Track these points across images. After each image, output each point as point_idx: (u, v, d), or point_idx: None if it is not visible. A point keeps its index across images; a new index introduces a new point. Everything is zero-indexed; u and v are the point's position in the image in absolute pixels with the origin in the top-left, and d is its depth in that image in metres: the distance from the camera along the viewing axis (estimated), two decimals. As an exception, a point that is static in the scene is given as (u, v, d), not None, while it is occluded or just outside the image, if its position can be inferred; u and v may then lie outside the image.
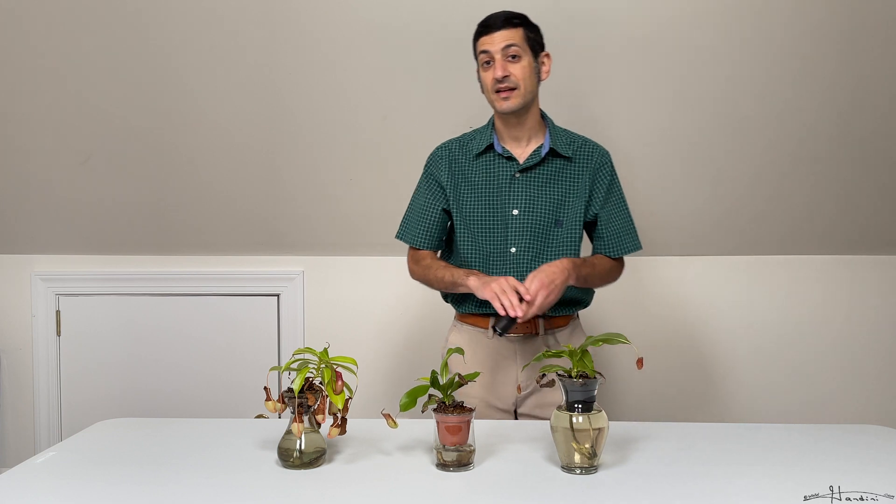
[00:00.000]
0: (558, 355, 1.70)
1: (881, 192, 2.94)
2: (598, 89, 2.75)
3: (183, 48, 2.73)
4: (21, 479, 1.64)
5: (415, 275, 2.28)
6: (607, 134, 2.70)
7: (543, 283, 1.97)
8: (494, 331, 2.03)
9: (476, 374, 1.76)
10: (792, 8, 2.57)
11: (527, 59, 2.10)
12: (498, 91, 2.09)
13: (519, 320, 1.96)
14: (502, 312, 1.95)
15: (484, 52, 2.10)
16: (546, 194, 2.16)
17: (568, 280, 2.04)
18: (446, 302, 2.31)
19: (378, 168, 2.90)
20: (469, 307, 2.22)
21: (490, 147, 2.19)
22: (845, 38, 2.61)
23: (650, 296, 3.12)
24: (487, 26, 2.11)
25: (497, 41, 2.08)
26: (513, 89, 2.08)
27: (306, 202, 3.03)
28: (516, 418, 2.22)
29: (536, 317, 2.16)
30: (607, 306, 3.04)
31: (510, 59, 2.08)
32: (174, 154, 2.96)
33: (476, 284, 2.04)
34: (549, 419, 2.10)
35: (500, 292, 1.96)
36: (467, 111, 2.70)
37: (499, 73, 2.07)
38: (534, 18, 2.24)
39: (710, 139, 2.84)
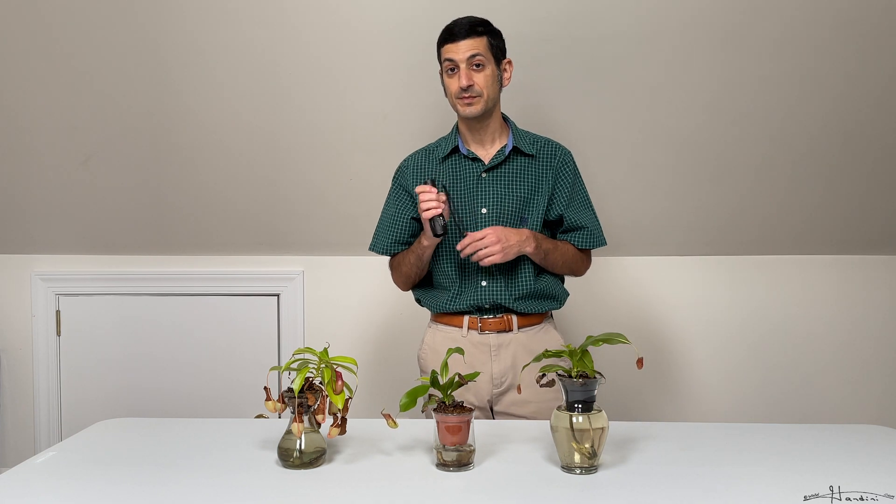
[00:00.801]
0: (558, 355, 1.70)
1: (876, 193, 2.94)
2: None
3: (183, 48, 2.73)
4: (21, 479, 1.64)
5: (397, 280, 2.34)
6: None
7: (496, 230, 2.08)
8: (437, 235, 2.10)
9: (476, 374, 1.76)
10: (799, 6, 2.57)
11: (490, 68, 2.14)
12: (461, 98, 2.14)
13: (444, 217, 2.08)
14: (429, 215, 2.06)
15: (448, 59, 2.15)
16: (512, 192, 2.21)
17: (524, 245, 2.12)
18: (421, 305, 2.34)
19: (378, 168, 2.90)
20: (441, 305, 2.24)
21: (455, 150, 2.25)
22: (854, 35, 2.61)
23: (652, 296, 3.12)
24: (452, 34, 2.14)
25: (462, 50, 2.12)
26: (476, 97, 2.14)
27: (306, 202, 3.03)
28: (492, 414, 2.25)
29: (511, 313, 2.20)
30: (610, 307, 3.05)
31: (474, 67, 2.13)
32: (174, 154, 2.96)
33: (423, 239, 2.15)
34: (525, 417, 2.13)
35: (422, 209, 2.07)
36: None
37: (464, 82, 2.12)
38: (511, 22, 2.24)
39: (717, 139, 2.84)
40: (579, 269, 2.30)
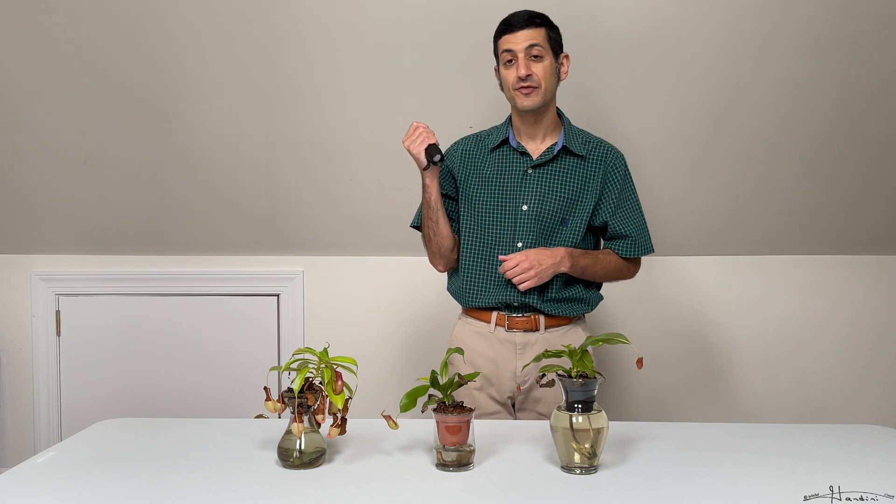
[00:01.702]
0: (558, 355, 1.70)
1: (879, 192, 2.94)
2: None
3: (183, 48, 2.73)
4: (21, 479, 1.64)
5: (429, 257, 2.31)
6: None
7: (528, 256, 2.08)
8: (435, 162, 2.12)
9: (476, 374, 1.77)
10: (802, 10, 2.57)
11: (549, 59, 2.13)
12: (519, 88, 2.12)
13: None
14: (415, 148, 2.12)
15: (507, 50, 2.13)
16: (557, 191, 2.18)
17: (559, 266, 2.11)
18: (450, 293, 2.33)
19: (378, 168, 2.90)
20: (470, 299, 2.24)
21: (505, 141, 2.23)
22: (855, 39, 2.61)
23: (655, 296, 3.12)
24: (510, 24, 2.13)
25: (521, 40, 2.11)
26: (534, 87, 2.12)
27: (306, 202, 3.03)
28: (514, 411, 2.24)
29: (539, 313, 2.18)
30: (612, 306, 3.04)
31: (533, 58, 2.11)
32: (174, 154, 2.96)
33: (423, 178, 2.17)
34: (546, 416, 2.13)
35: (411, 138, 2.12)
36: (467, 111, 2.71)
37: (522, 72, 2.10)
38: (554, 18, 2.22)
39: (720, 140, 2.83)
40: (625, 276, 2.29)
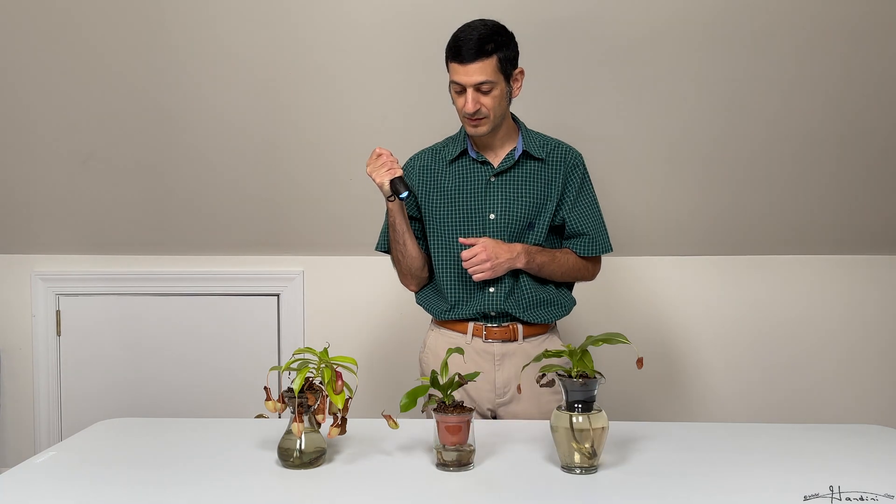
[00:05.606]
0: (558, 355, 1.70)
1: (876, 192, 2.94)
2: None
3: (183, 48, 2.73)
4: (21, 479, 1.64)
5: (401, 278, 2.29)
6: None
7: (487, 246, 2.07)
8: (400, 196, 2.09)
9: (476, 374, 1.76)
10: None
11: (499, 88, 2.07)
12: (468, 119, 2.10)
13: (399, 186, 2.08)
14: (379, 176, 2.08)
15: (455, 82, 2.07)
16: (522, 197, 2.17)
17: (515, 261, 2.11)
18: (419, 304, 2.30)
19: (378, 168, 2.90)
20: (446, 312, 2.21)
21: (464, 152, 2.21)
22: (839, 37, 2.61)
23: (640, 296, 3.12)
24: (460, 54, 2.05)
25: (470, 74, 2.04)
26: (483, 118, 2.09)
27: (306, 202, 3.03)
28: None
29: (517, 322, 2.18)
30: (595, 307, 3.04)
31: (482, 92, 2.06)
32: (174, 154, 2.96)
33: (387, 205, 2.15)
34: None
35: (374, 165, 2.09)
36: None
37: (470, 109, 2.06)
38: (518, 23, 2.20)
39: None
40: (584, 276, 2.26)
